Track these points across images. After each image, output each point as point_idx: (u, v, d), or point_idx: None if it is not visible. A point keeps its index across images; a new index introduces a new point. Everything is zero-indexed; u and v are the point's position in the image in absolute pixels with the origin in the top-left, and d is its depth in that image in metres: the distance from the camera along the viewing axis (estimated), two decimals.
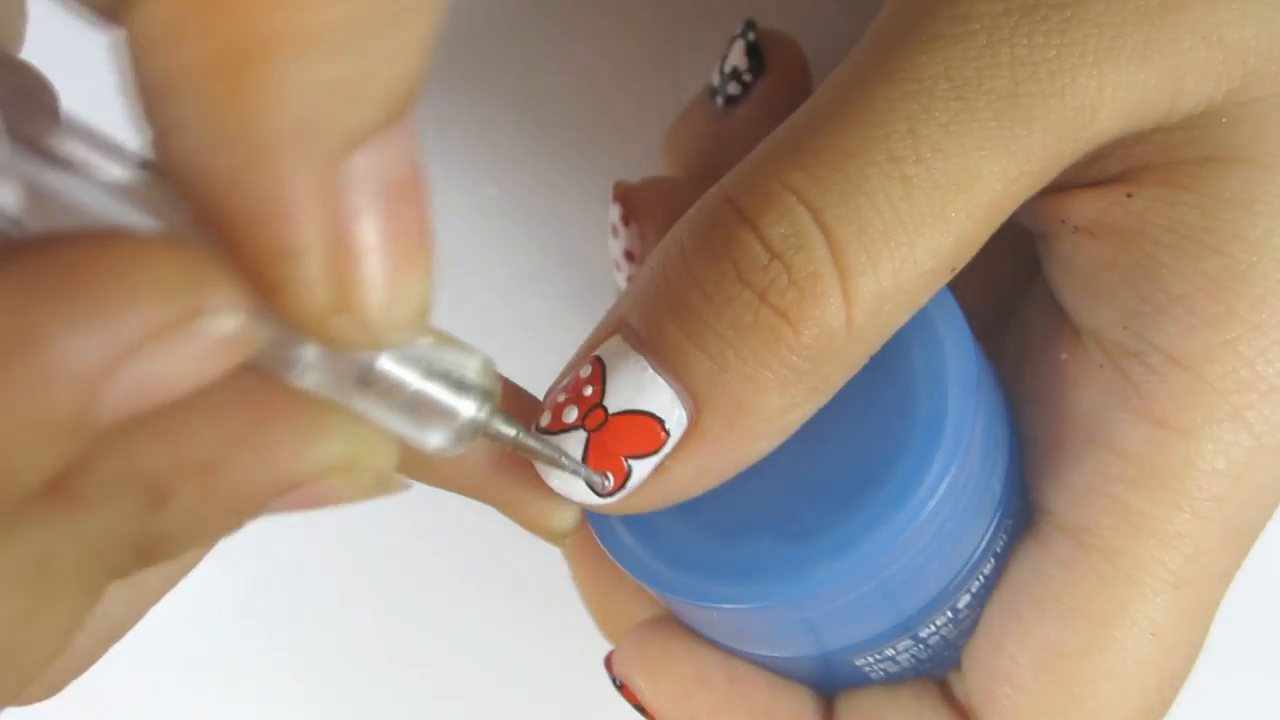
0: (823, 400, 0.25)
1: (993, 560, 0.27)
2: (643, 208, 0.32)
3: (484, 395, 0.21)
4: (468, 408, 0.21)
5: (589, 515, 0.27)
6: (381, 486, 0.20)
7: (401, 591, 0.44)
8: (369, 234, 0.17)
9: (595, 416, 0.24)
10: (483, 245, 0.46)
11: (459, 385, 0.20)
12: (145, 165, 0.17)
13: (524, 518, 0.27)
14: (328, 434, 0.19)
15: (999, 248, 0.27)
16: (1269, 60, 0.24)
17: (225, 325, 0.16)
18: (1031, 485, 0.27)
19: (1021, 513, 0.28)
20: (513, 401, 0.26)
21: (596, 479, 0.24)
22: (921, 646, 0.27)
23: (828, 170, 0.23)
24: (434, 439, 0.21)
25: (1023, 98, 0.23)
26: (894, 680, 0.29)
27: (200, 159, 0.16)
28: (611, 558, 0.27)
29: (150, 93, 0.16)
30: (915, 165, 0.23)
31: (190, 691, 0.44)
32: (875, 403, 0.25)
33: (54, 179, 0.16)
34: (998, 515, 0.26)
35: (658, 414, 0.24)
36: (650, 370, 0.24)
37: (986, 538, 0.26)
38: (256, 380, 0.18)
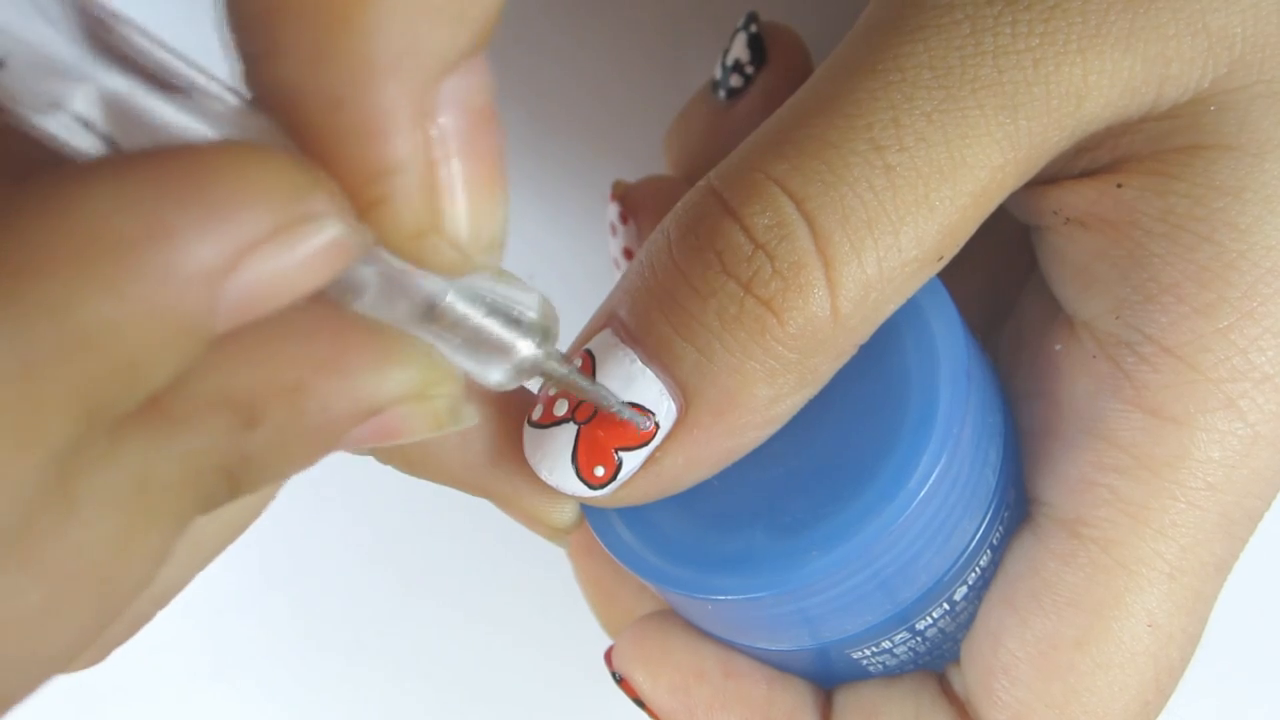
0: (812, 391, 0.25)
1: (989, 552, 0.27)
2: (641, 206, 0.32)
3: (544, 332, 0.21)
4: (527, 345, 0.21)
5: (586, 510, 0.27)
6: (454, 417, 0.20)
7: (401, 591, 0.44)
8: (459, 156, 0.17)
9: (585, 409, 0.25)
10: None
11: (518, 321, 0.21)
12: (237, 96, 0.18)
13: (524, 513, 0.27)
14: (403, 361, 0.19)
15: (997, 241, 0.27)
16: (1255, 47, 0.24)
17: (333, 229, 0.16)
18: (1027, 477, 0.27)
19: (1018, 505, 0.28)
20: (509, 395, 0.26)
21: (640, 419, 0.24)
22: (919, 639, 0.27)
23: (810, 160, 0.23)
24: (494, 374, 0.21)
25: (1007, 85, 0.24)
26: (892, 674, 0.29)
27: (302, 80, 0.17)
28: (608, 551, 0.27)
29: (253, 17, 0.17)
30: (898, 154, 0.23)
31: (190, 691, 0.45)
32: (867, 393, 0.25)
33: (144, 97, 0.17)
34: (993, 507, 0.26)
35: (647, 406, 0.24)
36: (639, 363, 0.24)
37: (982, 529, 0.26)
38: (335, 309, 0.19)
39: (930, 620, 0.27)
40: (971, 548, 0.26)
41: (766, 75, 0.31)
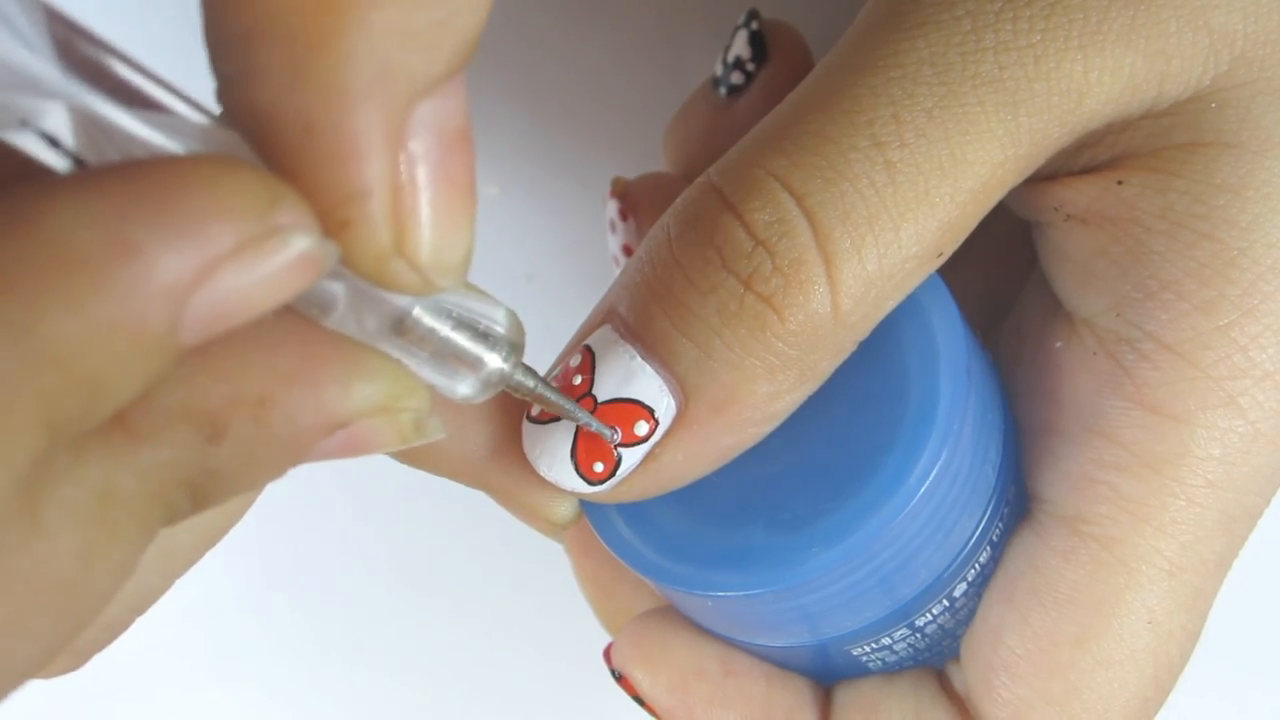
0: (812, 387, 0.25)
1: (989, 549, 0.27)
2: (640, 203, 0.32)
3: (510, 346, 0.21)
4: (494, 358, 0.21)
5: (585, 507, 0.27)
6: (419, 431, 0.20)
7: (401, 591, 0.44)
8: (427, 180, 0.17)
9: (585, 405, 0.25)
10: (483, 245, 0.46)
11: (485, 335, 0.21)
12: (206, 114, 0.18)
13: (523, 508, 0.27)
14: (370, 375, 0.19)
15: (996, 237, 0.27)
16: (1256, 44, 0.24)
17: (301, 243, 0.16)
18: (1027, 473, 0.27)
19: (1018, 502, 0.27)
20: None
21: (607, 431, 0.24)
22: (919, 635, 0.27)
23: (811, 156, 0.23)
24: (462, 387, 0.21)
25: (1007, 82, 0.24)
26: (891, 670, 0.29)
27: (276, 102, 0.17)
28: (607, 548, 0.27)
29: (232, 36, 0.17)
30: (899, 150, 0.23)
31: (191, 691, 0.45)
32: (867, 389, 0.25)
33: (113, 113, 0.17)
34: (993, 503, 0.26)
35: (646, 402, 0.24)
36: (639, 359, 0.24)
37: (982, 526, 0.26)
38: (303, 323, 0.19)
39: (930, 617, 0.27)
40: (971, 544, 0.26)
41: (767, 72, 0.31)
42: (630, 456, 0.24)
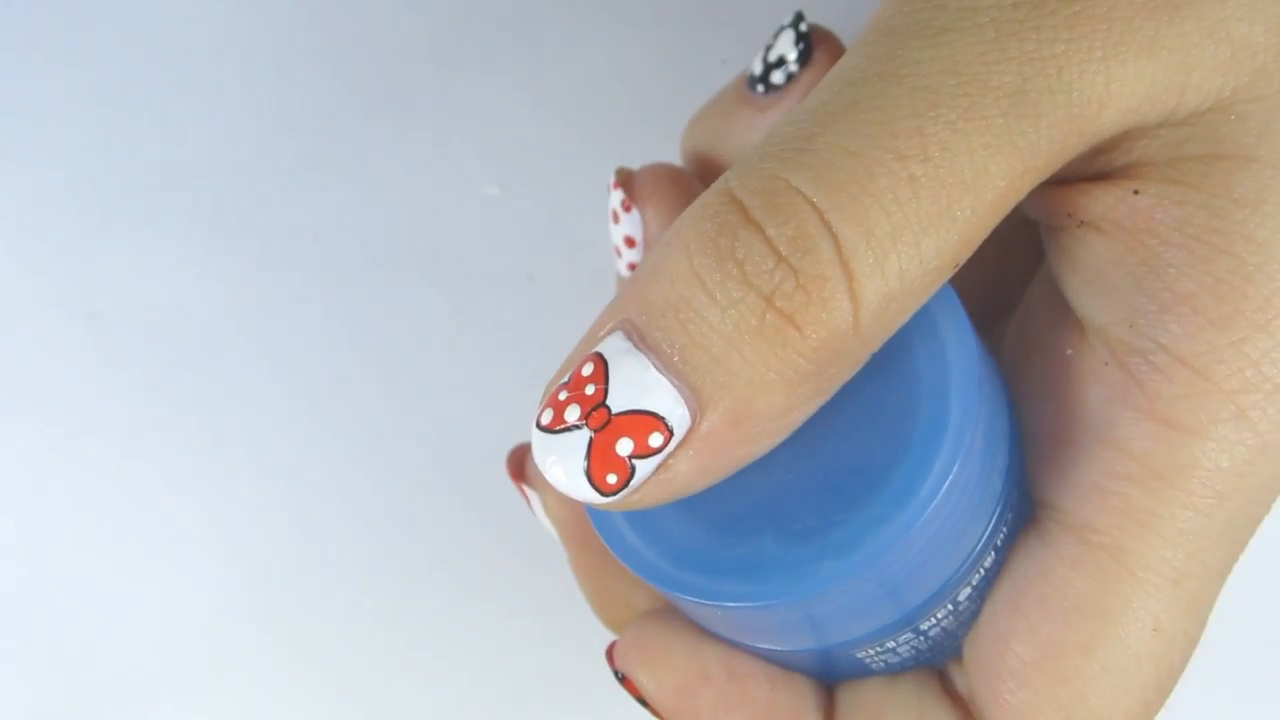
0: (825, 398, 0.24)
1: (993, 553, 0.27)
2: (644, 193, 0.31)
3: None
4: None
5: (590, 512, 0.27)
6: None
7: (401, 591, 0.44)
8: None
9: (599, 416, 0.24)
10: (483, 245, 0.45)
11: None
12: None
13: None
14: None
15: (999, 240, 0.27)
16: (1277, 56, 0.24)
17: None
18: (1034, 480, 0.27)
19: (1020, 505, 0.28)
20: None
21: None
22: (922, 639, 0.28)
23: (834, 171, 0.23)
24: None
25: (1031, 94, 0.23)
26: (894, 670, 0.29)
27: None
28: (614, 554, 0.26)
29: None
30: (922, 164, 0.23)
31: (191, 691, 0.44)
32: (878, 400, 0.25)
33: None
34: (998, 509, 0.27)
35: (661, 413, 0.24)
36: (653, 370, 0.24)
37: (987, 532, 0.26)
38: None
39: (934, 621, 0.27)
40: (977, 550, 0.26)
41: (809, 75, 0.30)
42: (643, 468, 0.24)
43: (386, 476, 0.45)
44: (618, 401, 0.24)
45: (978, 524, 0.26)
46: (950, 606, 0.27)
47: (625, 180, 0.32)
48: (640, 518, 0.26)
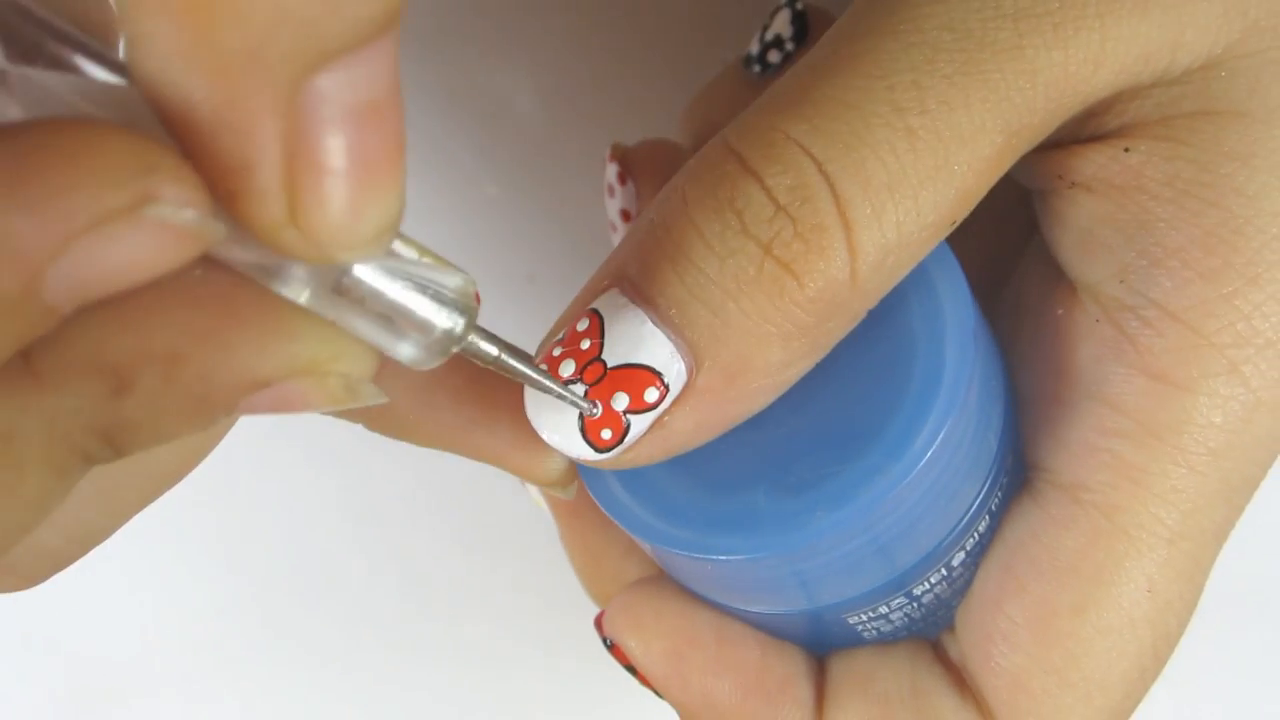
0: (822, 354, 0.24)
1: (987, 518, 0.27)
2: (639, 167, 0.31)
3: (460, 310, 0.21)
4: (442, 321, 0.21)
5: (581, 469, 0.27)
6: (351, 394, 0.20)
7: (401, 590, 0.44)
8: (327, 154, 0.17)
9: (594, 370, 0.24)
10: (483, 245, 0.46)
11: (436, 299, 0.20)
12: (121, 69, 0.18)
13: (512, 469, 0.27)
14: (295, 336, 0.19)
15: (996, 204, 0.27)
16: (1268, 13, 0.24)
17: (177, 216, 0.16)
18: (1027, 442, 0.27)
19: (1017, 471, 0.27)
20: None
21: (585, 405, 0.24)
22: (915, 605, 0.27)
23: (831, 122, 0.23)
24: (407, 350, 0.21)
25: (1026, 50, 0.23)
26: (887, 640, 0.28)
27: (165, 71, 0.16)
28: (605, 511, 0.26)
29: (123, 4, 0.16)
30: (920, 117, 0.23)
31: (190, 690, 0.44)
32: (872, 355, 0.25)
33: (22, 73, 0.17)
34: (993, 472, 0.26)
35: (657, 368, 0.24)
36: (650, 324, 0.24)
37: (981, 495, 0.26)
38: (231, 281, 0.19)
39: (927, 586, 0.27)
40: (971, 513, 0.26)
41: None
42: (638, 423, 0.24)
43: (386, 476, 0.45)
44: (613, 356, 0.24)
45: (972, 484, 0.26)
46: (944, 571, 0.27)
47: (620, 154, 0.32)
48: (632, 474, 0.26)
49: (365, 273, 0.20)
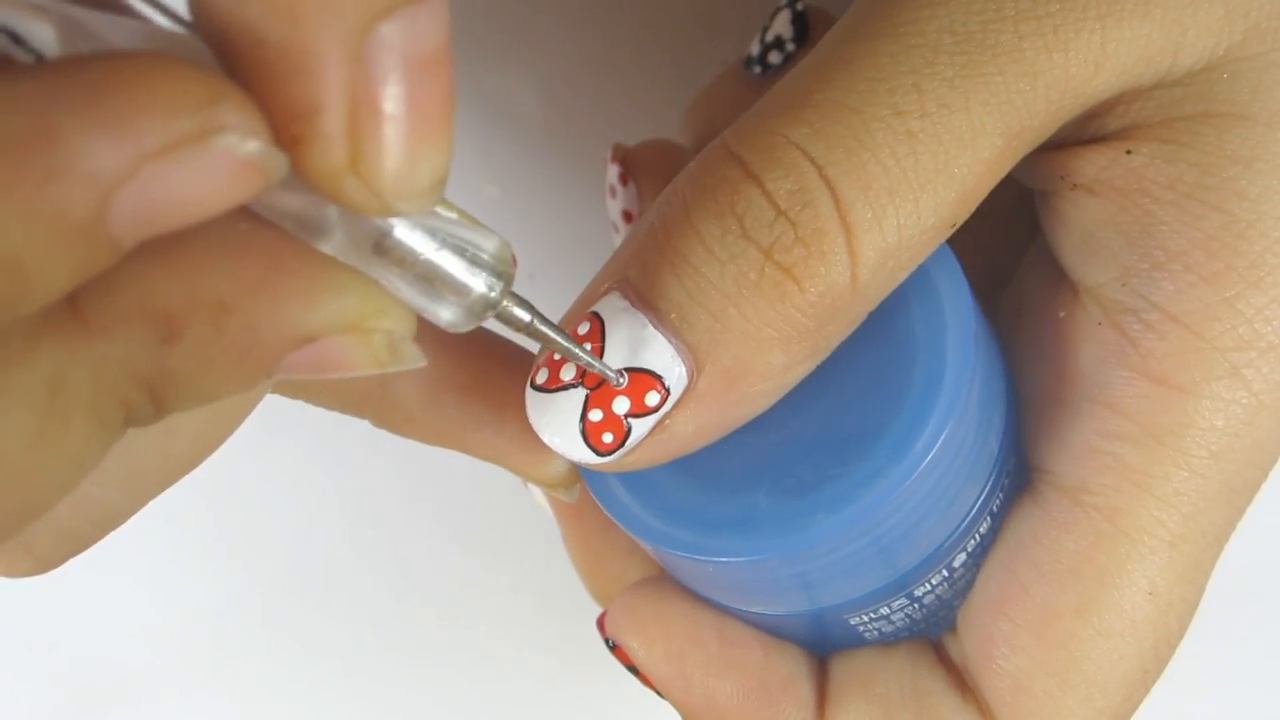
0: (823, 356, 0.24)
1: (989, 520, 0.27)
2: (641, 167, 0.31)
3: (497, 274, 0.21)
4: (479, 284, 0.21)
5: (583, 472, 0.27)
6: (394, 355, 0.20)
7: (401, 590, 0.44)
8: (389, 101, 0.17)
9: (594, 374, 0.24)
10: None
11: (473, 262, 0.20)
12: (181, 20, 0.18)
13: (516, 469, 0.27)
14: (340, 291, 0.19)
15: (996, 205, 0.27)
16: (1270, 15, 0.24)
17: (243, 146, 0.16)
18: (1028, 444, 0.27)
19: (1018, 472, 0.27)
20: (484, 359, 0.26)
21: (611, 375, 0.24)
22: (916, 606, 0.27)
23: (832, 125, 0.23)
24: (446, 312, 0.21)
25: (1027, 52, 0.23)
26: (888, 640, 0.28)
27: (230, 12, 0.17)
28: (607, 513, 0.26)
29: None
30: (920, 120, 0.23)
31: (191, 690, 0.44)
32: (873, 357, 0.25)
33: (89, 17, 0.17)
34: (994, 474, 0.26)
35: (658, 371, 0.24)
36: (650, 327, 0.24)
37: (983, 496, 0.26)
38: (277, 236, 0.19)
39: (929, 587, 0.27)
40: (972, 514, 0.26)
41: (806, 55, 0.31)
42: (639, 427, 0.24)
43: (386, 476, 0.45)
44: (614, 359, 0.24)
45: (973, 486, 0.26)
46: (945, 573, 0.27)
47: (622, 155, 0.32)
48: (633, 476, 0.26)
49: (405, 232, 0.20)
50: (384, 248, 0.20)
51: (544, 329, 0.23)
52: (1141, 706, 0.27)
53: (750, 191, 0.23)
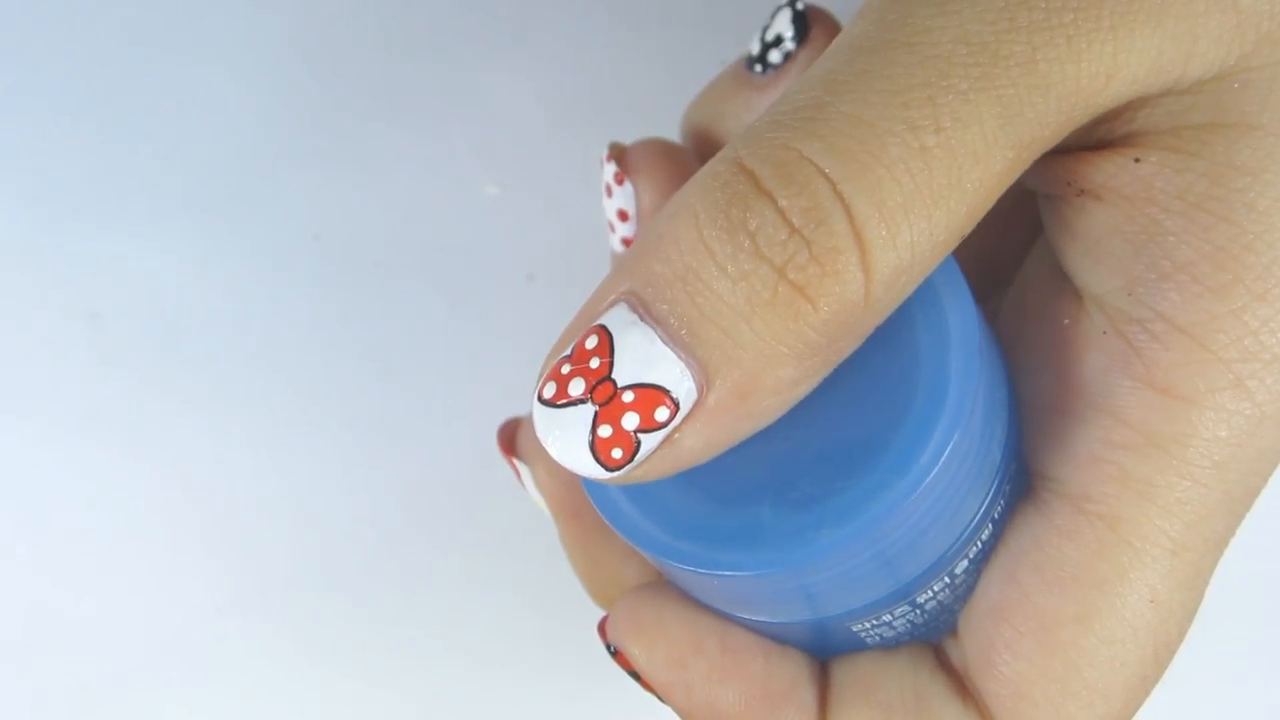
0: (831, 369, 0.24)
1: (990, 526, 0.27)
2: (637, 166, 0.31)
3: None
4: None
5: (585, 482, 0.27)
6: None
7: (402, 590, 0.44)
8: None
9: (604, 390, 0.24)
10: (483, 245, 0.45)
11: None
12: None
13: None
14: None
15: (995, 206, 0.27)
16: None
17: None
18: (1030, 451, 0.27)
19: (1019, 478, 0.27)
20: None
21: None
22: (918, 612, 0.27)
23: (845, 140, 0.23)
24: None
25: (1040, 64, 0.23)
26: (889, 645, 0.29)
27: None
28: (609, 525, 0.26)
29: None
30: (934, 135, 0.23)
31: (191, 690, 0.44)
32: (877, 369, 0.25)
33: None
34: (996, 481, 0.26)
35: (667, 386, 0.24)
36: (660, 342, 0.23)
37: (985, 504, 0.26)
38: None
39: (931, 594, 0.27)
40: (975, 522, 0.26)
41: (806, 54, 0.31)
42: (649, 442, 0.24)
43: (386, 475, 0.45)
44: (623, 375, 0.24)
45: (976, 495, 0.26)
46: (947, 580, 0.27)
47: (618, 153, 0.32)
48: (636, 488, 0.26)
49: None
50: None
51: None
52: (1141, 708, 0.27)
53: (763, 208, 0.23)
